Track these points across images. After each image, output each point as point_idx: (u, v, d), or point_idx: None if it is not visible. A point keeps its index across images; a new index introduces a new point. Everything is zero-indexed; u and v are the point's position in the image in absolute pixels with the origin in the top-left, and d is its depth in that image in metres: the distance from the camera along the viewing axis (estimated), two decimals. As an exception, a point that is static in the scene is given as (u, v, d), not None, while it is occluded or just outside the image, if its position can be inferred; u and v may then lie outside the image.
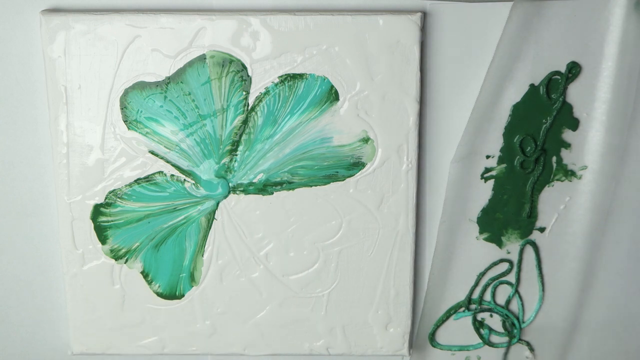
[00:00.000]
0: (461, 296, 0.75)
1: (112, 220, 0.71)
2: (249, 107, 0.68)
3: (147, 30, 0.67)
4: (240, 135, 0.69)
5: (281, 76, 0.68)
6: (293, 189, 0.71)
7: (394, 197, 0.71)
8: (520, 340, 0.76)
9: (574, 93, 0.69)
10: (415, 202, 0.71)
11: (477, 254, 0.74)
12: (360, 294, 0.74)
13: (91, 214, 0.71)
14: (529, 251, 0.74)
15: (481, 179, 0.72)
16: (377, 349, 0.75)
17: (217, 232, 0.72)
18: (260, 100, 0.68)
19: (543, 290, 0.75)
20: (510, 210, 0.72)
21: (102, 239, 0.72)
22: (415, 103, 0.69)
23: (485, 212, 0.72)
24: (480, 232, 0.73)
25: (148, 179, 0.70)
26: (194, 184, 0.71)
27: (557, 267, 0.74)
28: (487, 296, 0.75)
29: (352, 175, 0.70)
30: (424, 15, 0.68)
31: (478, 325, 0.76)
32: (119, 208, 0.71)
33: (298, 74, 0.68)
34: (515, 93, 0.69)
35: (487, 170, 0.71)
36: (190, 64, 0.67)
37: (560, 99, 0.69)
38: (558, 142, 0.70)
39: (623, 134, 0.69)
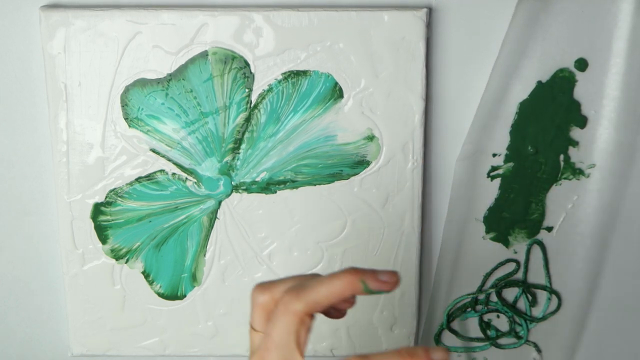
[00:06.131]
0: (467, 297, 0.75)
1: (112, 220, 0.71)
2: (252, 105, 0.68)
3: (148, 26, 0.66)
4: (243, 133, 0.69)
5: (284, 73, 0.67)
6: (297, 187, 0.70)
7: (399, 196, 0.71)
8: (527, 341, 0.76)
9: (582, 90, 0.69)
10: (421, 201, 0.71)
11: (484, 253, 0.73)
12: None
13: (91, 213, 0.70)
14: (536, 251, 0.73)
15: (487, 177, 0.71)
16: (382, 350, 0.75)
17: (220, 231, 0.71)
18: (263, 98, 0.68)
19: (550, 290, 0.74)
20: (517, 210, 0.72)
21: (103, 239, 0.71)
22: (421, 100, 0.68)
23: (492, 211, 0.72)
24: (487, 232, 0.73)
25: (149, 177, 0.70)
26: (195, 182, 0.70)
27: (564, 267, 0.73)
28: (494, 297, 0.75)
29: (357, 174, 0.70)
30: (430, 11, 0.67)
31: (485, 326, 0.76)
32: (120, 207, 0.70)
33: (302, 71, 0.67)
34: (522, 90, 0.69)
35: (494, 168, 0.71)
36: (192, 60, 0.67)
37: (568, 96, 0.69)
38: (566, 140, 0.70)
39: (632, 132, 0.69)
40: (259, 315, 0.48)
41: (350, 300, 0.49)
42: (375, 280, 0.47)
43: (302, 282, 0.47)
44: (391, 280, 0.47)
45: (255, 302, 0.48)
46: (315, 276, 0.48)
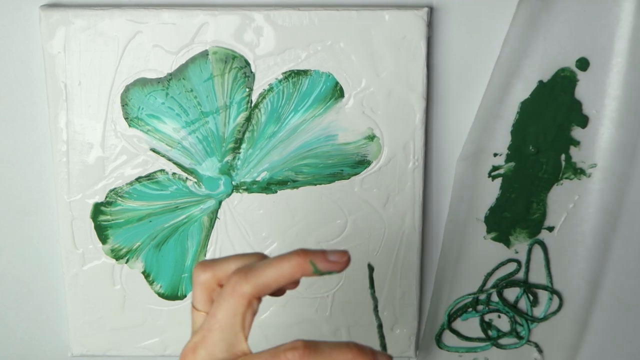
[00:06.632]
0: (468, 297, 0.74)
1: (112, 220, 0.70)
2: (253, 104, 0.68)
3: (148, 25, 0.66)
4: (244, 133, 0.68)
5: (285, 72, 0.67)
6: (297, 187, 0.70)
7: (400, 196, 0.70)
8: (528, 341, 0.76)
9: (583, 90, 0.68)
10: (422, 201, 0.71)
11: (485, 253, 0.73)
12: (366, 294, 0.73)
13: (91, 213, 0.70)
14: (538, 251, 0.73)
15: (488, 177, 0.71)
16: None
17: (220, 231, 0.71)
18: (264, 97, 0.68)
19: (552, 290, 0.74)
20: (518, 209, 0.72)
21: (103, 239, 0.71)
22: (422, 100, 0.68)
23: (493, 211, 0.72)
24: (488, 232, 0.72)
25: (149, 177, 0.70)
26: (196, 182, 0.70)
27: (566, 267, 0.73)
28: (495, 297, 0.74)
29: (358, 174, 0.70)
30: (431, 11, 0.67)
31: (486, 326, 0.75)
32: (120, 207, 0.70)
33: (302, 70, 0.67)
34: (523, 89, 0.68)
35: (495, 168, 0.71)
36: (192, 60, 0.67)
37: (569, 96, 0.68)
38: (567, 139, 0.70)
39: (633, 131, 0.68)
40: (200, 294, 0.47)
41: (296, 281, 0.48)
42: (324, 260, 0.45)
43: (249, 263, 0.46)
44: (341, 260, 0.46)
45: (197, 281, 0.47)
46: (260, 256, 0.47)
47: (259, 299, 0.46)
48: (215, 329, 0.45)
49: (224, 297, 0.45)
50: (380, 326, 0.50)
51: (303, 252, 0.45)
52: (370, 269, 0.52)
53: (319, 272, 0.46)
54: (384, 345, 0.50)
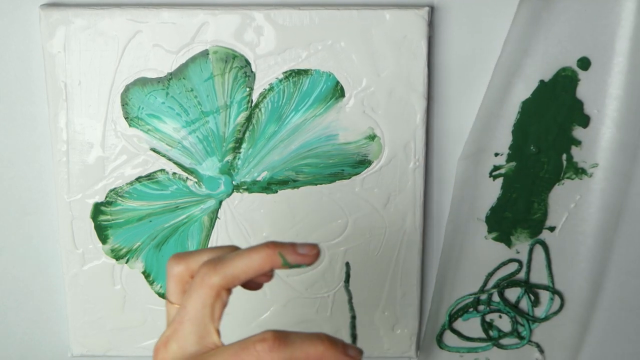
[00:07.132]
0: (469, 297, 0.74)
1: (112, 220, 0.70)
2: (253, 104, 0.68)
3: (148, 25, 0.66)
4: (244, 133, 0.68)
5: (286, 72, 0.67)
6: (298, 187, 0.70)
7: (401, 196, 0.70)
8: (530, 341, 0.75)
9: (585, 89, 0.68)
10: (423, 201, 0.71)
11: (486, 253, 0.73)
12: (366, 294, 0.73)
13: (91, 213, 0.70)
14: (539, 251, 0.73)
15: (489, 177, 0.71)
16: (384, 350, 0.74)
17: (220, 231, 0.71)
18: (265, 97, 0.67)
19: (553, 290, 0.74)
20: (520, 209, 0.71)
21: (103, 239, 0.71)
22: (423, 99, 0.68)
23: (494, 211, 0.72)
24: (489, 232, 0.72)
25: (149, 177, 0.69)
26: (196, 182, 0.70)
27: (567, 267, 0.73)
28: (496, 297, 0.74)
29: (358, 174, 0.70)
30: (432, 10, 0.67)
31: (487, 326, 0.75)
32: (120, 207, 0.70)
33: (303, 70, 0.67)
34: (524, 89, 0.68)
35: (496, 168, 0.71)
36: (192, 59, 0.67)
37: (571, 96, 0.68)
38: (568, 139, 0.69)
39: (635, 131, 0.68)
40: (174, 286, 0.47)
41: (268, 274, 0.48)
42: (293, 253, 0.46)
43: (220, 255, 0.46)
44: (310, 253, 0.46)
45: (170, 273, 0.47)
46: (233, 248, 0.47)
47: (229, 291, 0.46)
48: (186, 321, 0.45)
49: (193, 289, 0.45)
50: (353, 317, 0.51)
51: (273, 244, 0.46)
52: (347, 266, 0.53)
53: (289, 265, 0.46)
54: (354, 336, 0.50)
